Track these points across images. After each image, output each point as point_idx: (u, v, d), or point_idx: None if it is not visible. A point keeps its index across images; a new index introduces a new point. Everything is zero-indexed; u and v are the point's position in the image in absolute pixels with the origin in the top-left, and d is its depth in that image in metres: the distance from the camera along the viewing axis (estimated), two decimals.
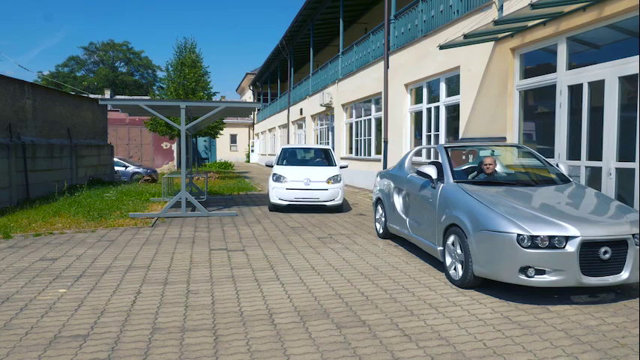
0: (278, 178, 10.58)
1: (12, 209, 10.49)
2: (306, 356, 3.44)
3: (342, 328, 3.94)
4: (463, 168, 6.65)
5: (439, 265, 5.92)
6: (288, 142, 28.38)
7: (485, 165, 6.12)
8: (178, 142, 29.90)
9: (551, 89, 7.90)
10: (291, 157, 12.25)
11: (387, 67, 14.08)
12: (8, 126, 11.73)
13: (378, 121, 15.60)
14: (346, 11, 18.99)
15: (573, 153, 7.43)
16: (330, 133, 21.27)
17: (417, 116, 12.95)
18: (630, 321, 4.11)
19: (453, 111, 11.10)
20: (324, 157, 12.17)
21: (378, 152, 15.56)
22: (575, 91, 7.41)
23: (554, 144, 7.78)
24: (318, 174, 10.64)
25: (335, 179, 10.61)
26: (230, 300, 4.67)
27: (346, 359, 3.40)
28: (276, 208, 10.83)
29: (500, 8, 8.70)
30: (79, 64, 65.16)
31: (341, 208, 10.93)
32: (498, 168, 6.37)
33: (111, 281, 5.32)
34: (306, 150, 13.89)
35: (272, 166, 11.39)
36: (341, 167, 11.48)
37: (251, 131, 45.16)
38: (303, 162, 12.47)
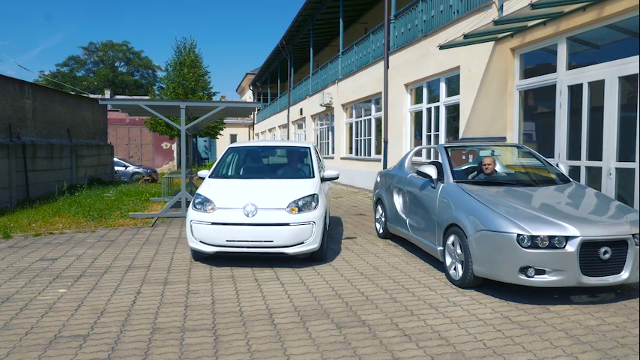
0: (201, 204, 5.97)
1: (12, 209, 10.50)
2: (306, 356, 3.44)
3: (342, 328, 3.94)
4: (463, 168, 6.64)
5: (439, 265, 5.92)
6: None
7: (485, 165, 6.13)
8: (178, 142, 29.93)
9: (551, 89, 7.90)
10: (240, 163, 7.58)
11: (387, 67, 14.08)
12: (8, 126, 11.74)
13: (378, 121, 15.60)
14: (346, 11, 18.99)
15: (573, 153, 7.43)
16: (330, 133, 21.28)
17: (417, 116, 12.95)
18: (630, 321, 4.11)
19: (453, 111, 11.10)
20: (297, 163, 7.41)
21: (378, 152, 15.56)
22: (575, 91, 7.41)
23: (554, 144, 7.78)
24: (275, 195, 6.03)
25: (306, 204, 5.92)
26: (230, 300, 4.67)
27: (346, 359, 3.40)
28: (199, 256, 6.25)
29: (500, 8, 8.70)
30: (79, 64, 65.16)
31: (320, 255, 6.10)
32: (498, 168, 6.37)
33: (111, 281, 5.32)
34: (269, 150, 8.48)
35: (204, 178, 6.93)
36: (325, 179, 6.89)
37: (251, 131, 45.14)
38: (258, 172, 7.34)
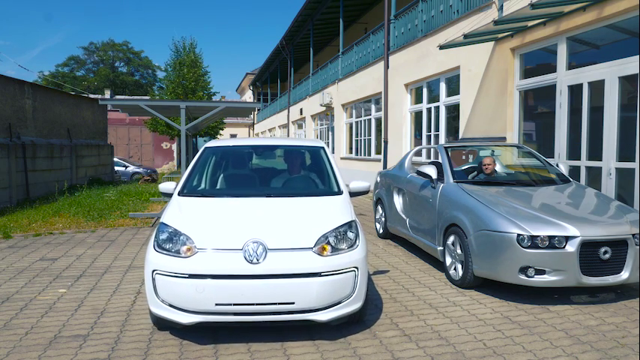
0: (169, 241, 3.69)
1: (12, 209, 10.50)
2: (306, 356, 3.44)
3: (342, 329, 3.94)
4: (463, 168, 6.65)
5: (439, 265, 5.92)
6: None
7: (485, 165, 6.13)
8: (178, 142, 29.94)
9: (551, 89, 7.90)
10: (224, 171, 5.21)
11: (387, 67, 14.08)
12: (8, 126, 11.73)
13: (378, 121, 15.60)
14: (346, 11, 18.99)
15: (573, 153, 7.43)
16: (330, 133, 21.28)
17: (417, 116, 12.95)
18: (630, 321, 4.11)
19: (453, 111, 11.10)
20: (311, 172, 5.16)
21: (378, 152, 15.56)
22: (575, 91, 7.41)
23: (554, 144, 7.78)
24: (291, 224, 3.89)
25: (341, 239, 3.79)
26: None
27: (346, 359, 3.40)
28: (166, 325, 3.83)
29: (500, 8, 8.70)
30: (79, 64, 65.19)
31: (360, 316, 4.03)
32: (498, 168, 6.37)
33: (111, 281, 5.32)
34: (266, 152, 6.07)
35: (171, 196, 4.52)
36: (354, 193, 4.69)
37: (251, 131, 45.16)
38: (254, 185, 4.99)
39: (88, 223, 8.95)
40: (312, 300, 3.49)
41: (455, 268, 5.21)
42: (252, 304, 3.46)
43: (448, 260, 5.36)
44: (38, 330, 3.91)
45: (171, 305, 3.54)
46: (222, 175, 5.12)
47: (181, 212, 4.03)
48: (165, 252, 3.63)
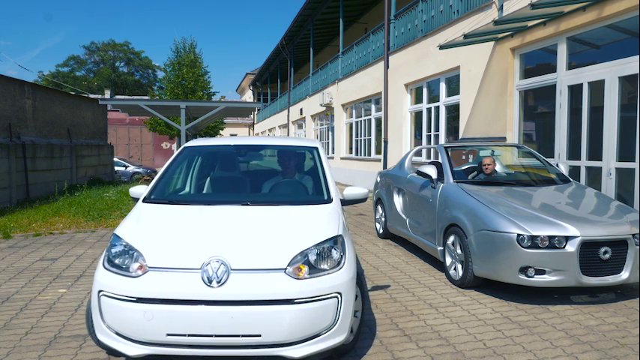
0: (120, 256, 3.13)
1: (12, 209, 10.50)
2: None
3: None
4: (463, 168, 6.65)
5: (439, 265, 5.92)
6: None
7: (485, 165, 6.13)
8: (178, 142, 29.97)
9: (551, 89, 7.90)
10: (202, 174, 4.75)
11: (387, 67, 14.08)
12: (8, 126, 11.74)
13: (378, 121, 15.61)
14: (346, 11, 18.99)
15: (573, 153, 7.43)
16: (330, 133, 21.29)
17: (417, 116, 12.95)
18: (630, 321, 4.11)
19: (453, 111, 11.11)
20: (299, 176, 4.55)
21: (378, 152, 15.56)
22: (575, 91, 7.41)
23: (554, 144, 7.78)
24: (262, 238, 3.25)
25: (323, 258, 3.14)
26: None
27: (346, 359, 3.40)
28: (113, 353, 3.22)
29: (500, 8, 8.70)
30: (79, 64, 65.21)
31: (347, 349, 3.42)
32: (498, 168, 6.37)
33: None
34: (251, 152, 5.42)
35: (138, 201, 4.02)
36: (348, 201, 4.09)
37: (251, 131, 45.17)
38: (231, 191, 4.35)
39: (88, 223, 8.95)
40: (282, 332, 2.88)
41: (455, 268, 5.21)
42: (210, 336, 2.87)
43: (448, 260, 5.37)
44: (38, 330, 3.91)
45: (117, 333, 2.98)
46: (196, 179, 4.61)
47: (138, 223, 3.48)
48: (114, 270, 3.08)
